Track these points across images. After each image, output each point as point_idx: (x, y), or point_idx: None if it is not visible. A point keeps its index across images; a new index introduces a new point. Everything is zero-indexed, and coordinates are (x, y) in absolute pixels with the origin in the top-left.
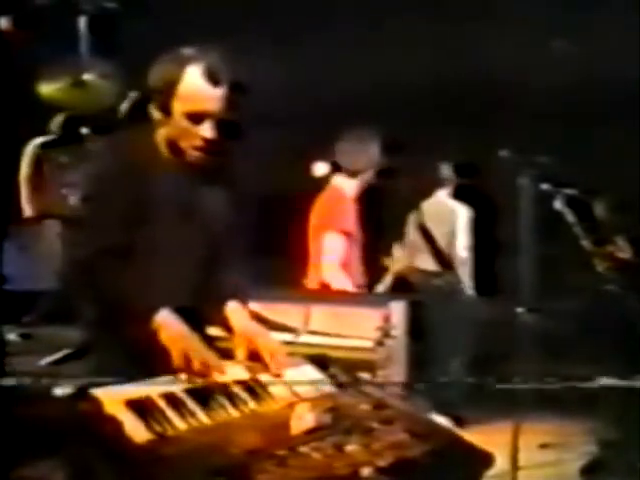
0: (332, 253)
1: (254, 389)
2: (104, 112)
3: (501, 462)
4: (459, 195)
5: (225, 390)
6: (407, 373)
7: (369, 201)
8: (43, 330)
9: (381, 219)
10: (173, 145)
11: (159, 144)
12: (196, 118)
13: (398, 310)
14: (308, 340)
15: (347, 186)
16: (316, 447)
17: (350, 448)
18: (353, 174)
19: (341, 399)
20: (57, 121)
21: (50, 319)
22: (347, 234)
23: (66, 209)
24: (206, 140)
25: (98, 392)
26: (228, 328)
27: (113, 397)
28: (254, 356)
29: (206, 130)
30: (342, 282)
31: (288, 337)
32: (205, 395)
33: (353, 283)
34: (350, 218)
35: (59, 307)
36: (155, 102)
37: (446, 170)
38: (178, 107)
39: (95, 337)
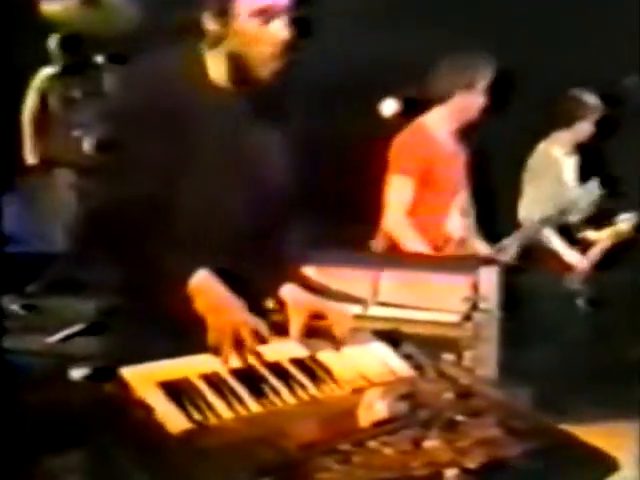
0: (395, 200)
1: (314, 371)
2: (122, 37)
3: (628, 469)
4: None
5: (279, 371)
6: (500, 355)
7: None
8: (51, 301)
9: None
10: (237, 64)
11: (209, 69)
12: (264, 17)
13: (489, 278)
14: (377, 313)
15: (436, 121)
16: (388, 442)
17: (430, 444)
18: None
19: (419, 385)
20: (57, 42)
21: (60, 288)
22: (418, 177)
23: (80, 155)
24: (277, 44)
25: (125, 372)
26: (279, 298)
27: (143, 378)
28: (312, 332)
29: (278, 29)
30: (410, 239)
31: (354, 309)
32: (254, 377)
33: (429, 243)
34: (430, 160)
35: (71, 273)
36: (210, 11)
37: (591, 99)
38: (242, 8)
39: (117, 308)
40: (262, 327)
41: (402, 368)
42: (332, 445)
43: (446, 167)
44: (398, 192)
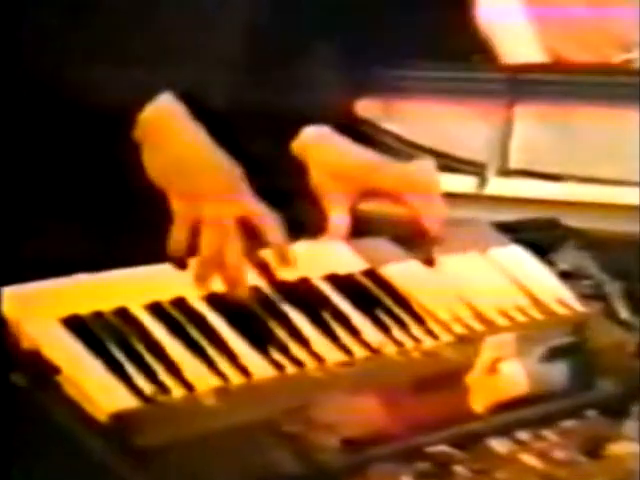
0: None
1: (376, 300)
2: None
3: None
4: None
5: (306, 300)
6: None
7: None
8: None
9: None
10: None
11: None
12: None
13: None
14: (507, 190)
15: None
16: (531, 444)
17: (624, 449)
18: None
19: (599, 331)
20: None
21: None
22: None
23: None
24: None
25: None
26: (298, 165)
27: (36, 309)
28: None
29: None
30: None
31: (459, 183)
32: (258, 311)
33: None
34: None
35: None
36: None
37: None
38: None
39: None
40: (271, 217)
41: (561, 297)
42: (413, 444)
43: None
44: None
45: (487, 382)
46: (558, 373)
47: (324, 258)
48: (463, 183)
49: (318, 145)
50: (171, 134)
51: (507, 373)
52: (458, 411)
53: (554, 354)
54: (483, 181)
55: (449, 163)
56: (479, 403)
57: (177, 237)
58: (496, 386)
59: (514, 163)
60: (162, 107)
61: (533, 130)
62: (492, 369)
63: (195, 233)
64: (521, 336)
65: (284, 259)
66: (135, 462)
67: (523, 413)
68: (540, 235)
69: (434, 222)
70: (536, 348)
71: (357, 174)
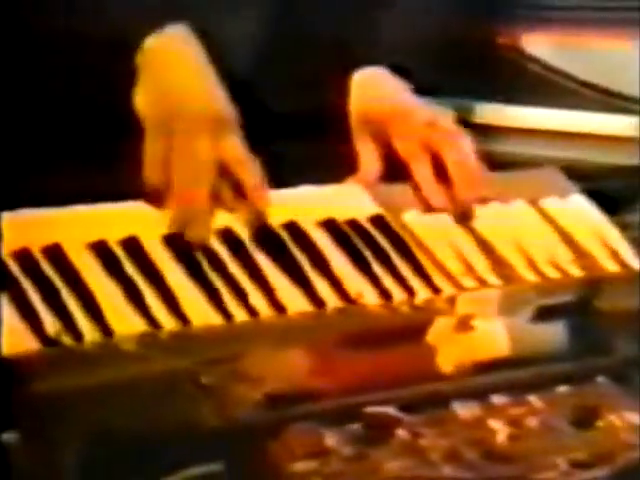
0: None
1: (370, 247)
2: None
3: None
4: None
5: (281, 244)
6: None
7: None
8: None
9: None
10: None
11: None
12: None
13: None
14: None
15: None
16: (504, 409)
17: (617, 420)
18: None
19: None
20: None
21: None
22: None
23: None
24: None
25: None
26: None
27: None
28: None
29: None
30: None
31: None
32: (221, 254)
33: None
34: None
35: None
36: None
37: None
38: None
39: None
40: (251, 164)
41: (617, 251)
42: (348, 403)
43: None
44: None
45: (459, 340)
46: (556, 334)
47: (332, 204)
48: (625, 125)
49: (364, 85)
50: (169, 63)
51: (484, 331)
52: (419, 370)
53: (548, 314)
54: None
55: (612, 101)
56: (448, 363)
57: (150, 172)
58: (471, 345)
59: None
60: (170, 36)
61: None
62: (464, 327)
63: (168, 169)
64: (506, 294)
65: (259, 197)
66: (28, 411)
67: (504, 375)
68: (622, 184)
69: (469, 190)
70: (527, 307)
71: (393, 122)
